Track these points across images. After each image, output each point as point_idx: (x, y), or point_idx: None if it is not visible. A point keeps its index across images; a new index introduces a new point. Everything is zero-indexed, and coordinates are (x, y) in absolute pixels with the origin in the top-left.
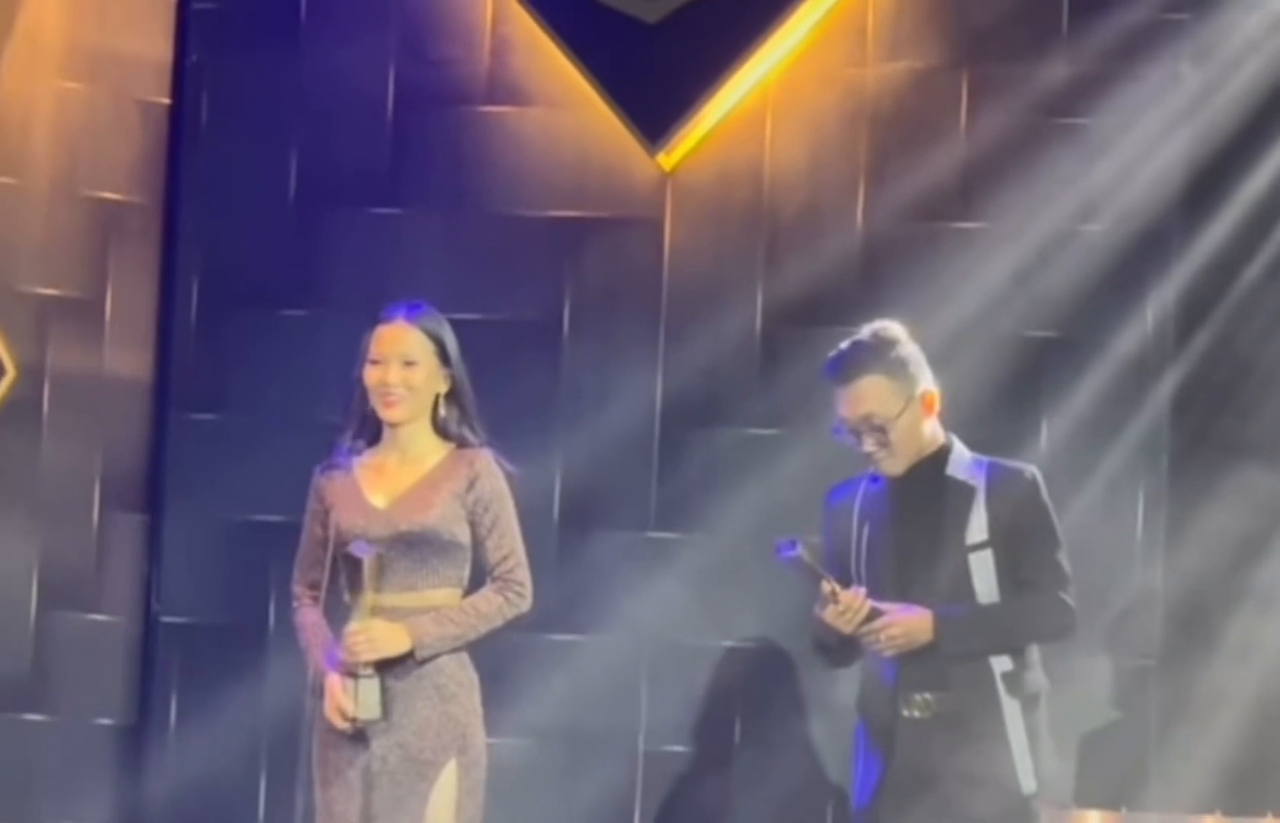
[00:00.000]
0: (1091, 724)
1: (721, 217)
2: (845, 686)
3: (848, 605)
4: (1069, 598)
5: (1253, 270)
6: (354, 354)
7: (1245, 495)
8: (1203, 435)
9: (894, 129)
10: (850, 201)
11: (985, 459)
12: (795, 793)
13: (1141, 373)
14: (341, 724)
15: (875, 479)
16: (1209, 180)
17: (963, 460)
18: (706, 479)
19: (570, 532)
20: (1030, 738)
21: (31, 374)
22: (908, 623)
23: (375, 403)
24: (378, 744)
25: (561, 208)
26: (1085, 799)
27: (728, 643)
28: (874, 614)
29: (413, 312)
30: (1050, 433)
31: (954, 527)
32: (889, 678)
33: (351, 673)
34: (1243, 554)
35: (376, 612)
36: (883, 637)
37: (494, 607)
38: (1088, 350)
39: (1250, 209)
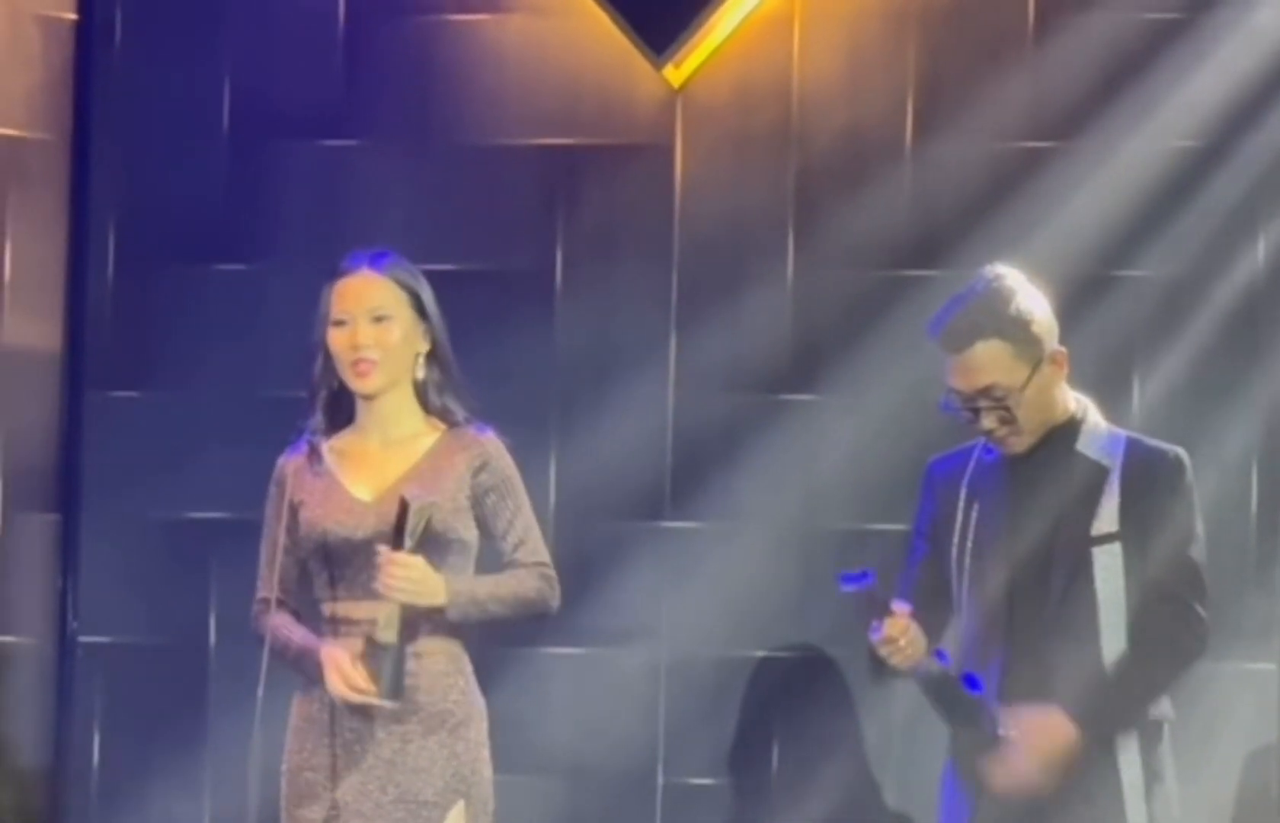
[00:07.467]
0: (1203, 742)
1: (743, 141)
2: (905, 700)
3: (893, 633)
4: (1202, 609)
5: None
6: (304, 316)
7: None
8: None
9: (949, 31)
10: (897, 121)
11: (1124, 434)
12: None
13: (1253, 320)
14: (353, 697)
15: (990, 449)
16: None
17: (1097, 435)
18: (731, 456)
19: (569, 522)
20: (1148, 779)
21: None
22: (1044, 741)
23: (344, 373)
24: (366, 779)
25: (550, 135)
26: None
27: (761, 652)
28: (994, 725)
29: (379, 260)
30: (1143, 393)
31: (1080, 514)
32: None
33: (368, 642)
34: None
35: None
36: (1008, 770)
37: (530, 589)
38: (1188, 293)
39: None
